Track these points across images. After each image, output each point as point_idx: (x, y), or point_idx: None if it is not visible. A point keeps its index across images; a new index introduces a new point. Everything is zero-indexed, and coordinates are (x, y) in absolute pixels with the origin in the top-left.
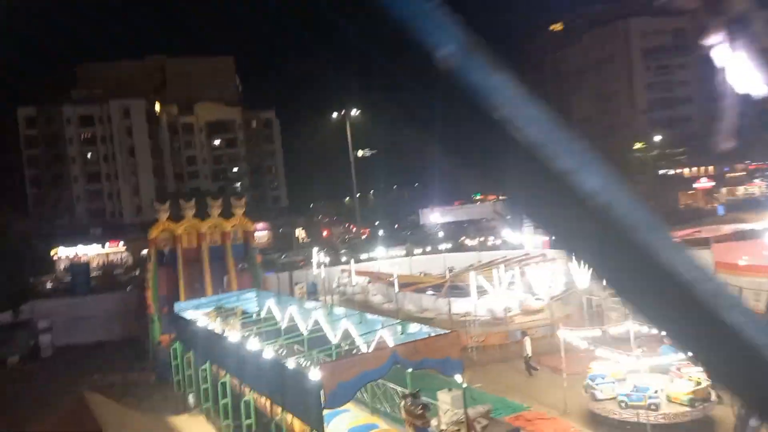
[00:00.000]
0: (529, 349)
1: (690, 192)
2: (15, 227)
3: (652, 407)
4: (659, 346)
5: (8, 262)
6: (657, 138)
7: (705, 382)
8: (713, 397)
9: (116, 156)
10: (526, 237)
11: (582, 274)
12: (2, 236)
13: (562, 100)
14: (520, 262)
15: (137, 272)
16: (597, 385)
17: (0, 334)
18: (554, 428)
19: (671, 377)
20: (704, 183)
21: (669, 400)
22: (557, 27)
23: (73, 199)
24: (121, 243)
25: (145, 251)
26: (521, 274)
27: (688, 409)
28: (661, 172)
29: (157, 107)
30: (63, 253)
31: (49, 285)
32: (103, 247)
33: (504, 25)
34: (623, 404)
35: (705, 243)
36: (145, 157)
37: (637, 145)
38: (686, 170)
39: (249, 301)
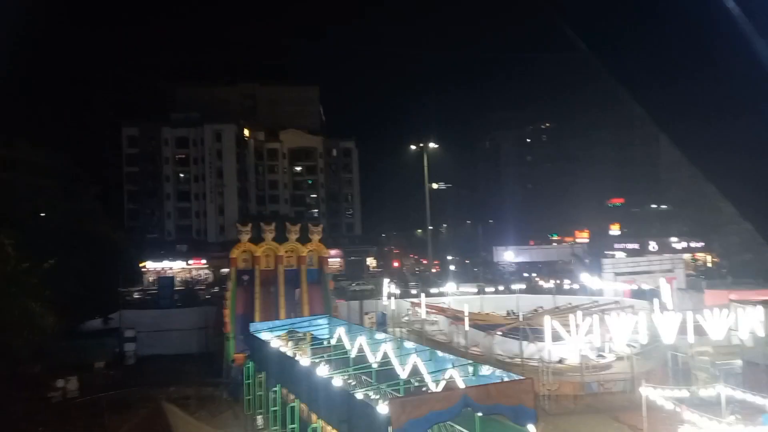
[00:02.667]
0: None
1: None
2: (113, 239)
3: None
4: (759, 414)
5: (105, 272)
6: None
7: None
8: None
9: (206, 177)
10: (606, 283)
11: (669, 327)
12: (101, 247)
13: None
14: (600, 309)
15: (217, 289)
16: None
17: (90, 339)
18: None
19: None
20: None
21: None
22: None
23: (164, 215)
24: (204, 260)
25: (225, 270)
26: (600, 322)
27: None
28: None
29: (246, 132)
30: (150, 266)
31: (136, 295)
32: (187, 263)
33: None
34: None
35: None
36: (232, 179)
37: None
38: None
39: (320, 327)
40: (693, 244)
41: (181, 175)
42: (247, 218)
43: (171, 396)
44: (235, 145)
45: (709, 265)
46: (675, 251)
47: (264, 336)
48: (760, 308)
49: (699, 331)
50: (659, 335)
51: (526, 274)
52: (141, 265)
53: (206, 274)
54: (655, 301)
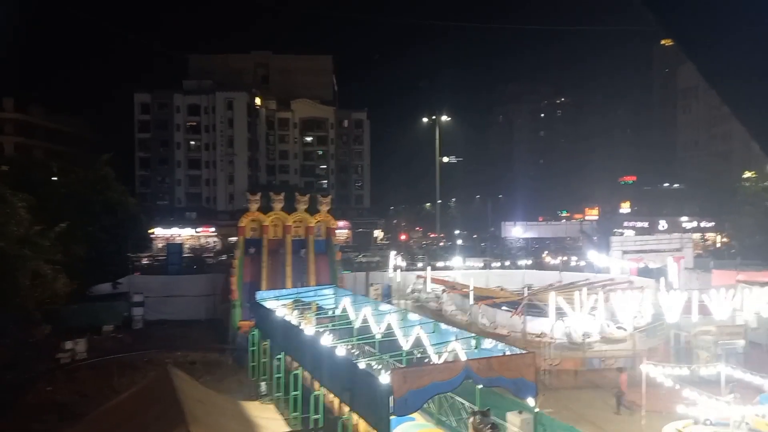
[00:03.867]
0: (624, 385)
1: None
2: (125, 205)
3: None
4: (757, 394)
5: (115, 237)
6: None
7: None
8: None
9: (216, 145)
10: (613, 261)
11: (673, 306)
12: (113, 213)
13: (668, 121)
14: (604, 286)
15: (225, 257)
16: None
17: (100, 303)
18: None
19: None
20: None
21: None
22: (669, 41)
23: (174, 182)
24: (212, 228)
25: (233, 238)
26: (605, 300)
27: None
28: None
29: (258, 101)
30: (159, 233)
31: (144, 261)
32: (195, 230)
33: (609, 35)
34: None
35: None
36: (242, 148)
37: (747, 174)
38: None
39: (326, 297)
40: (703, 224)
41: (192, 142)
42: (257, 187)
43: (177, 360)
44: (247, 113)
45: (719, 245)
46: (685, 231)
47: (270, 304)
48: (766, 289)
49: (704, 310)
50: (663, 314)
51: (535, 247)
52: (150, 231)
53: (215, 242)
54: (662, 279)
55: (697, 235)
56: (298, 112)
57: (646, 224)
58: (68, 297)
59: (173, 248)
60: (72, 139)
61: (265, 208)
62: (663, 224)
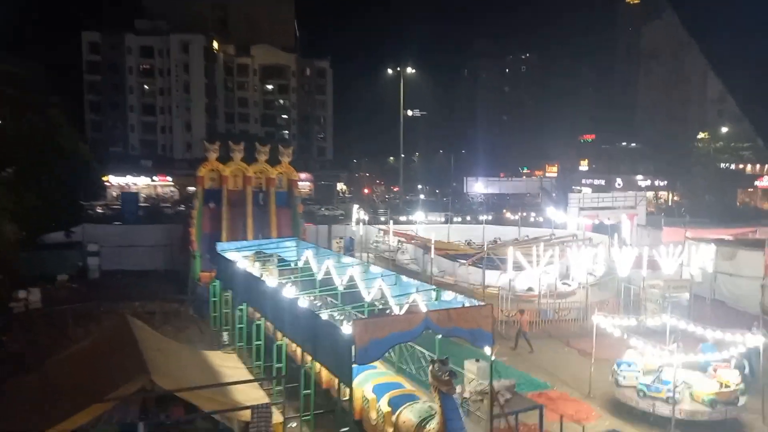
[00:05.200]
0: (525, 325)
1: (749, 190)
2: (77, 152)
3: (669, 400)
4: (698, 343)
5: (67, 184)
6: (723, 130)
7: (734, 386)
8: (741, 402)
9: (172, 90)
10: (571, 217)
11: (625, 261)
12: (65, 158)
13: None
14: (561, 242)
15: (183, 207)
16: (621, 371)
17: (52, 252)
18: (576, 409)
19: (705, 377)
20: (767, 181)
21: (692, 397)
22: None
23: (127, 128)
24: (170, 177)
25: (192, 188)
26: (561, 255)
27: (707, 409)
28: (722, 165)
29: (215, 45)
30: (114, 180)
31: (99, 210)
32: (152, 179)
33: None
34: (641, 393)
35: (759, 245)
36: (199, 94)
37: (700, 135)
38: (749, 167)
39: (288, 249)
40: (657, 183)
41: (146, 87)
42: (215, 136)
43: (136, 310)
44: (204, 58)
45: (671, 204)
46: (639, 189)
47: (231, 255)
48: (712, 246)
49: (653, 265)
50: (615, 268)
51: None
52: (104, 179)
53: (172, 191)
54: (615, 236)
55: (650, 194)
56: (259, 59)
57: (603, 182)
58: (17, 245)
59: (128, 197)
60: (18, 81)
61: (225, 158)
62: (619, 182)
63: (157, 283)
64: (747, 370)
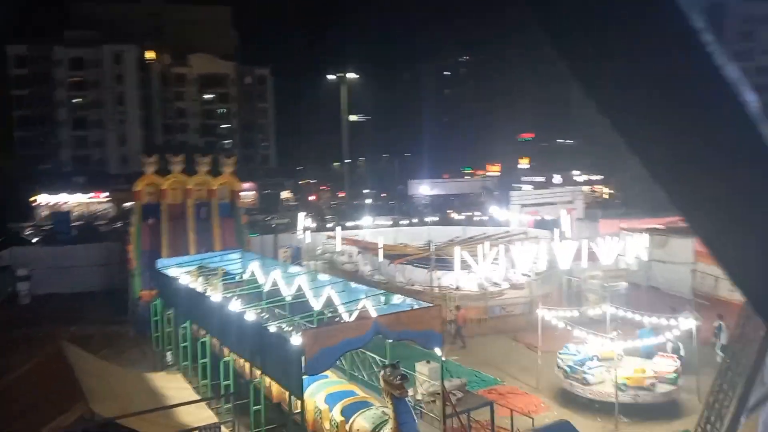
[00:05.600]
0: (461, 320)
1: None
2: (2, 170)
3: (584, 381)
4: (635, 329)
5: None
6: None
7: (650, 372)
8: (658, 389)
9: (104, 103)
10: (513, 214)
11: (566, 254)
12: None
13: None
14: (504, 239)
15: (120, 224)
16: (559, 355)
17: None
18: (525, 402)
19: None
20: None
21: (614, 381)
22: None
23: (58, 144)
24: (105, 194)
25: (128, 204)
26: (505, 251)
27: (618, 392)
28: None
29: (150, 55)
30: (44, 199)
31: (28, 232)
32: (87, 196)
33: None
34: (565, 374)
35: (689, 232)
36: (134, 106)
37: None
38: None
39: (233, 261)
40: (593, 177)
41: (77, 100)
42: (153, 149)
43: (73, 335)
44: (138, 68)
45: (606, 197)
46: (576, 184)
47: (172, 272)
48: (645, 235)
49: (592, 257)
50: (557, 262)
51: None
52: (32, 198)
53: (106, 208)
54: (556, 230)
55: (587, 188)
56: (196, 68)
57: (542, 179)
58: None
59: (60, 216)
60: None
61: (163, 171)
62: (557, 178)
63: (94, 305)
64: (682, 352)
